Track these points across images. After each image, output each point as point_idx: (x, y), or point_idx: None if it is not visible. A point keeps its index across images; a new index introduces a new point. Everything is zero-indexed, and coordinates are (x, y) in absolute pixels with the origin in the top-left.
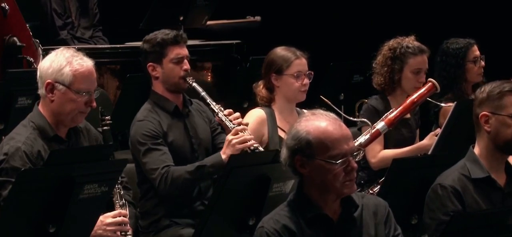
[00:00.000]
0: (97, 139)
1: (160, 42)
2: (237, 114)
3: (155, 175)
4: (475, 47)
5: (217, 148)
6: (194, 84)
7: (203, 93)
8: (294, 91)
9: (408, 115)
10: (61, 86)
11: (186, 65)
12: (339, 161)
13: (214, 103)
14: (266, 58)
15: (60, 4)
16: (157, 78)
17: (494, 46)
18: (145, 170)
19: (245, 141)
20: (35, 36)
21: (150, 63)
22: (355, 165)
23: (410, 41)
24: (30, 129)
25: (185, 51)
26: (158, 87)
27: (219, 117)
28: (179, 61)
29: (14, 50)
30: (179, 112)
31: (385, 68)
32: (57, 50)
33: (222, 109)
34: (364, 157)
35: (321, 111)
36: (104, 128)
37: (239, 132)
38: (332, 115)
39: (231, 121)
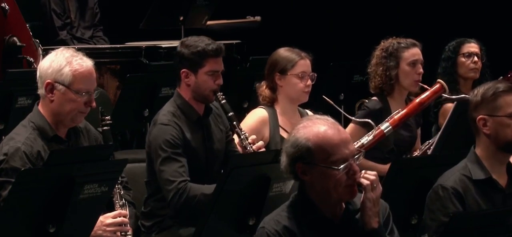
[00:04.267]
0: (97, 139)
1: (200, 52)
2: (261, 143)
3: (170, 187)
4: (472, 44)
5: (227, 155)
6: (223, 102)
7: (231, 114)
8: (298, 92)
9: None
10: (60, 86)
11: (220, 80)
12: (341, 166)
13: (240, 127)
14: (269, 58)
15: (60, 4)
16: (188, 85)
17: (494, 46)
18: (160, 178)
19: None
20: (35, 36)
21: (185, 70)
22: (357, 168)
23: (401, 39)
24: (30, 129)
25: (221, 66)
26: (185, 92)
27: (243, 145)
28: (214, 74)
29: (14, 50)
30: (200, 122)
31: (381, 68)
32: (57, 50)
33: (247, 136)
34: None
35: (318, 116)
36: (104, 128)
37: None
38: (330, 119)
39: (254, 151)
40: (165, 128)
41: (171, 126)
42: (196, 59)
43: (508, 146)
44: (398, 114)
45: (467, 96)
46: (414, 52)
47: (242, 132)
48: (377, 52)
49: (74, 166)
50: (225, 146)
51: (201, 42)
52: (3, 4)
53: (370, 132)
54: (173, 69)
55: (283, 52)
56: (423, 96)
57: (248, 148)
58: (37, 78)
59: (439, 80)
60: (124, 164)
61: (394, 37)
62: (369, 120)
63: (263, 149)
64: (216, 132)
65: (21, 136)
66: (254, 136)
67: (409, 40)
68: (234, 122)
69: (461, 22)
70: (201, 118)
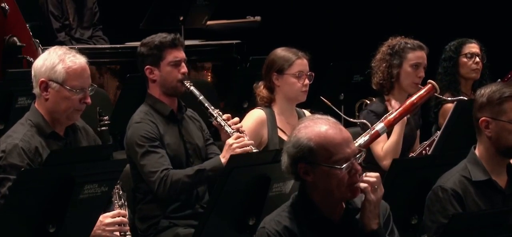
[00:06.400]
0: (95, 141)
1: (157, 45)
2: (236, 119)
3: (154, 178)
4: (473, 45)
5: (208, 158)
6: (191, 88)
7: (201, 98)
8: (295, 91)
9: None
10: (54, 84)
11: (184, 68)
12: (344, 165)
13: (212, 107)
14: (267, 58)
15: (57, 6)
16: (154, 81)
17: (494, 47)
18: (143, 172)
19: (245, 145)
20: (35, 36)
21: (148, 66)
22: (359, 167)
23: (409, 39)
24: (28, 126)
25: (182, 54)
26: (154, 91)
27: (217, 122)
28: (176, 64)
29: (14, 50)
30: (174, 117)
31: (384, 64)
32: (50, 48)
33: (221, 113)
34: (372, 159)
35: (319, 116)
36: (102, 128)
37: (240, 137)
38: (331, 119)
39: (230, 126)
40: (139, 125)
41: (144, 122)
42: (155, 53)
43: (508, 151)
44: (391, 114)
45: (464, 98)
46: (419, 55)
47: (215, 111)
48: (384, 48)
49: (74, 166)
50: (206, 148)
51: (158, 37)
52: (3, 4)
53: (366, 133)
54: (139, 72)
55: (280, 51)
56: (414, 96)
57: (223, 125)
58: (32, 77)
59: (429, 81)
60: (124, 164)
61: (402, 36)
62: (365, 121)
63: (239, 125)
64: (194, 129)
65: (19, 133)
66: (228, 115)
67: (416, 43)
68: (206, 104)
69: (461, 23)
70: (175, 113)
